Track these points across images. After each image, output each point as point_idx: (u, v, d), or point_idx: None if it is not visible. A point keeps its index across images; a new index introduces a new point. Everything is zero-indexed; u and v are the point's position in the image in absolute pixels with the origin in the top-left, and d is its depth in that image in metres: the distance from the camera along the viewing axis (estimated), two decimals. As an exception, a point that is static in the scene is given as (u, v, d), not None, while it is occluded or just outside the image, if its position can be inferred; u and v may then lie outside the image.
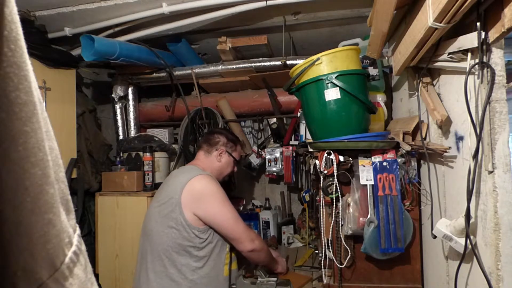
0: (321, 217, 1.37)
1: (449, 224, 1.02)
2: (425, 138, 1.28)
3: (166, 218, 1.43)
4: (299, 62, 1.52)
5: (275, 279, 1.58)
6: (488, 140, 0.89)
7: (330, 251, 1.33)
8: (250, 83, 2.36)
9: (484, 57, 0.89)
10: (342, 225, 1.31)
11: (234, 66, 2.22)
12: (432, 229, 1.08)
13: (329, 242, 1.33)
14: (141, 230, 1.57)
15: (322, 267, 1.36)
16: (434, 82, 1.27)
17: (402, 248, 1.24)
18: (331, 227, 1.33)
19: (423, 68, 1.23)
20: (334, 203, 1.31)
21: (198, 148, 1.72)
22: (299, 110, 2.03)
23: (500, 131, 0.88)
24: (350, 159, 1.31)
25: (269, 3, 1.64)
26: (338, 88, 1.32)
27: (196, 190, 1.43)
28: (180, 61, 2.37)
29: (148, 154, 2.13)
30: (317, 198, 1.46)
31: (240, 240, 1.46)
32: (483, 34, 0.88)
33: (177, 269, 1.41)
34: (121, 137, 2.49)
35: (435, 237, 1.07)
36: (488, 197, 0.90)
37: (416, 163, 1.32)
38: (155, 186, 2.08)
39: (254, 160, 2.41)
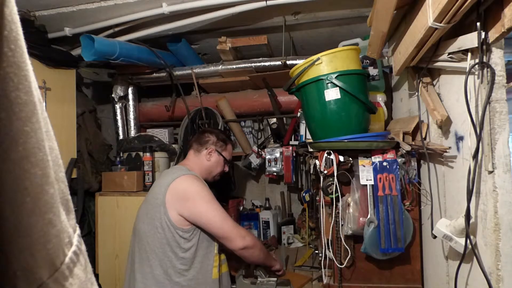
0: (321, 217, 1.37)
1: (449, 224, 1.02)
2: (425, 138, 1.28)
3: (152, 219, 1.42)
4: (299, 62, 1.52)
5: (275, 279, 1.58)
6: (488, 140, 0.89)
7: (330, 251, 1.33)
8: (250, 83, 2.36)
9: (484, 57, 0.89)
10: (342, 225, 1.31)
11: (234, 66, 2.22)
12: (432, 229, 1.08)
13: (329, 242, 1.33)
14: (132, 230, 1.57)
15: (322, 267, 1.36)
16: (434, 82, 1.27)
17: (402, 248, 1.24)
18: (331, 227, 1.33)
19: (423, 68, 1.23)
20: (334, 203, 1.31)
21: (189, 147, 1.70)
22: (299, 110, 2.03)
23: (500, 131, 0.88)
24: (350, 159, 1.31)
25: (269, 3, 1.63)
26: (338, 88, 1.32)
27: (180, 190, 1.41)
28: (180, 61, 2.37)
29: (148, 154, 2.13)
30: (317, 198, 1.46)
31: (230, 238, 1.41)
32: (483, 34, 0.88)
33: (163, 270, 1.40)
34: (121, 137, 2.49)
35: (435, 237, 1.07)
36: (488, 197, 0.90)
37: (416, 163, 1.32)
38: (155, 186, 2.08)
39: (254, 160, 2.41)
